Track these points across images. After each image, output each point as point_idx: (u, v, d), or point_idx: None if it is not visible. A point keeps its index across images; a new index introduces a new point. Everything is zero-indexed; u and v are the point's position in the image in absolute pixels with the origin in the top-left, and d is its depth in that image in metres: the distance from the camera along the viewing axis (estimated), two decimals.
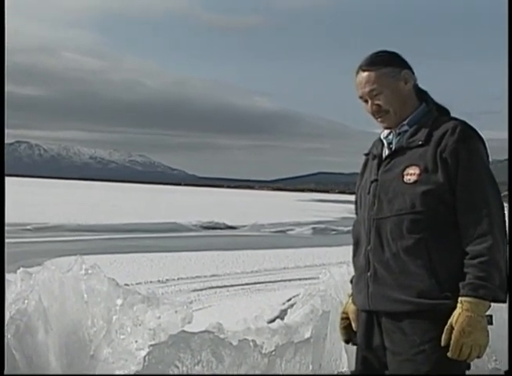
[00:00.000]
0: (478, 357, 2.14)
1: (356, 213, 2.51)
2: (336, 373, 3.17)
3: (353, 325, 2.53)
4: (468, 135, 2.23)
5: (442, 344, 2.13)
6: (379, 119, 2.38)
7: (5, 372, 2.13)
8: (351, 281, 2.53)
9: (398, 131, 2.36)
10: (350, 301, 2.53)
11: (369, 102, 2.35)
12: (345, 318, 2.57)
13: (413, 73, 2.39)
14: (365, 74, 2.34)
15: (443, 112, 2.38)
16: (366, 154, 2.52)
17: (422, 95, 2.40)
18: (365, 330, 2.39)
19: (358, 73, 2.37)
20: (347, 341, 2.59)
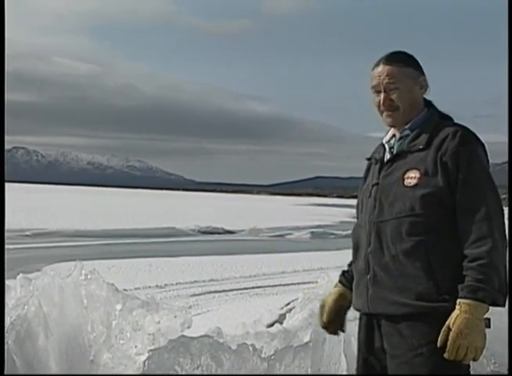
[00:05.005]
0: (475, 360, 2.14)
1: (357, 217, 2.52)
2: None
3: (324, 317, 2.54)
4: (469, 140, 2.26)
5: (438, 345, 2.13)
6: (386, 113, 2.38)
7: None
8: (343, 273, 2.55)
9: (399, 135, 2.39)
10: (333, 291, 2.55)
11: (383, 94, 2.36)
12: (323, 306, 2.59)
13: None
14: (388, 67, 2.36)
15: (445, 118, 2.40)
16: (369, 159, 2.54)
17: (427, 103, 2.43)
18: (365, 333, 2.40)
19: (378, 65, 2.38)
20: (324, 328, 2.59)
